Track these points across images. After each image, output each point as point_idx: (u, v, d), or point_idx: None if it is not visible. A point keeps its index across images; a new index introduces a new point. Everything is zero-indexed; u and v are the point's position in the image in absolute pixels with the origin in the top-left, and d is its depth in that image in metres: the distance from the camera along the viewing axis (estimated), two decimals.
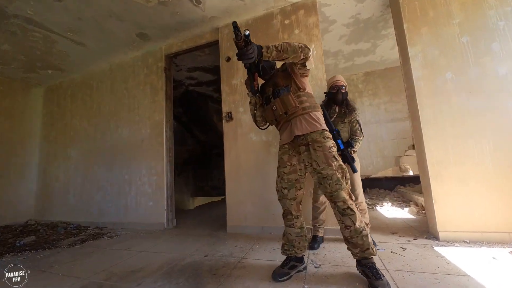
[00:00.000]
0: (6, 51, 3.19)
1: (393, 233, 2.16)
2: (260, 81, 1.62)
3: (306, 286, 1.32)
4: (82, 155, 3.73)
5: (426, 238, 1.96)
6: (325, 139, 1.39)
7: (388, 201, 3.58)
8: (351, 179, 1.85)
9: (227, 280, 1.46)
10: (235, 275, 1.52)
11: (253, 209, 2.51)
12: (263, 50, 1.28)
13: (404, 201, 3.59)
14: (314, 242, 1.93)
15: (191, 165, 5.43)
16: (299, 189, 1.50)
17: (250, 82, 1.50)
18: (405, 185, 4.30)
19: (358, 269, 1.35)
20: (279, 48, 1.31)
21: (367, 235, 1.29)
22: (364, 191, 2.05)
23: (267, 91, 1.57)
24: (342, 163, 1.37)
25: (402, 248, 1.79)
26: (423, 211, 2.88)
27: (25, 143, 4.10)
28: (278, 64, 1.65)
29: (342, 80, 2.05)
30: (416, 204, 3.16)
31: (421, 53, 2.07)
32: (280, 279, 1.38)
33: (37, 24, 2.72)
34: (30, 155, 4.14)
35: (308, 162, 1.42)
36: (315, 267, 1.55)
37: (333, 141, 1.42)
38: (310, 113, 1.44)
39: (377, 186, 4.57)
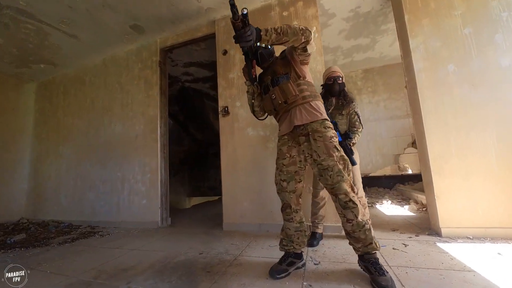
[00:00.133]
0: None
1: (394, 230, 2.10)
2: (259, 71, 1.55)
3: (305, 283, 1.25)
4: (75, 152, 3.63)
5: (428, 234, 1.91)
6: (326, 128, 1.32)
7: (387, 199, 3.53)
8: None
9: (222, 277, 1.39)
10: (231, 272, 1.45)
11: (250, 206, 2.44)
12: (261, 33, 1.21)
13: (403, 199, 3.54)
14: (313, 239, 1.86)
15: (188, 165, 5.35)
16: (299, 182, 1.43)
17: (248, 70, 1.43)
18: (404, 184, 4.26)
19: (360, 265, 1.28)
20: (279, 30, 1.24)
21: (370, 229, 1.23)
22: (363, 190, 1.99)
23: (265, 80, 1.50)
24: (344, 154, 1.31)
25: (404, 244, 1.73)
26: (424, 209, 2.83)
27: (17, 139, 4.01)
28: (277, 53, 1.58)
29: (338, 71, 2.00)
30: (416, 202, 3.11)
31: (423, 45, 2.02)
32: (277, 276, 1.31)
33: (29, 16, 2.64)
34: (22, 152, 4.04)
35: (308, 153, 1.36)
36: (315, 264, 1.48)
37: (334, 131, 1.35)
38: (311, 102, 1.38)
39: (376, 185, 4.53)
